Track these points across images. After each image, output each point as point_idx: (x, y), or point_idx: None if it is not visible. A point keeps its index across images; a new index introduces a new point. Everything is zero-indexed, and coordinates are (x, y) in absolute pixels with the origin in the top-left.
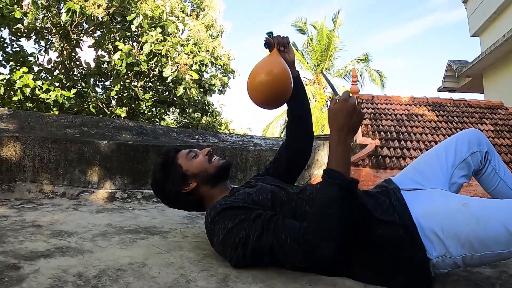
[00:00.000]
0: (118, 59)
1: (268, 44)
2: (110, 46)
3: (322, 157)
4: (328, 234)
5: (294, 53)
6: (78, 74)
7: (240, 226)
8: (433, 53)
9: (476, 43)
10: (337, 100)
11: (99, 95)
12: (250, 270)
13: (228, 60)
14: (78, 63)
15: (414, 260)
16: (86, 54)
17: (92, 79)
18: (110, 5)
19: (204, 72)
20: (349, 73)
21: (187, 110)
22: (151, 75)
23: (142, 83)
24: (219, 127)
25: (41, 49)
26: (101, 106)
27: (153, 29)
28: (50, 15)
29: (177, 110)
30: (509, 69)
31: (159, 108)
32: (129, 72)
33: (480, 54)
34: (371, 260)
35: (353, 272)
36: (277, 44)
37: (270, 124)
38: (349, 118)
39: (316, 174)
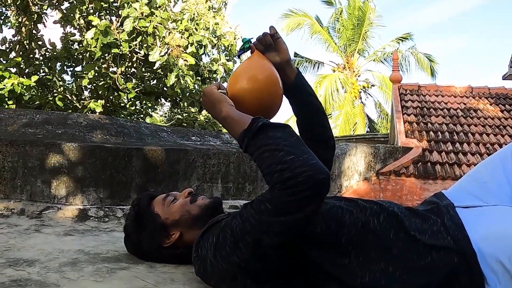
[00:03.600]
0: (92, 39)
1: (245, 51)
2: (81, 22)
3: (354, 163)
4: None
5: (287, 50)
6: (41, 58)
7: (224, 232)
8: (498, 30)
9: None
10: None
11: (68, 84)
12: None
13: (234, 39)
14: (40, 43)
15: None
16: (51, 31)
17: (58, 64)
18: None
19: (203, 56)
20: (389, 56)
21: (181, 104)
22: (134, 59)
23: (123, 69)
24: None
25: None
26: (70, 98)
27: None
28: None
29: (168, 104)
30: None
31: (144, 101)
32: (106, 55)
33: None
34: None
35: None
36: (257, 45)
37: (288, 121)
38: (210, 105)
39: (347, 185)
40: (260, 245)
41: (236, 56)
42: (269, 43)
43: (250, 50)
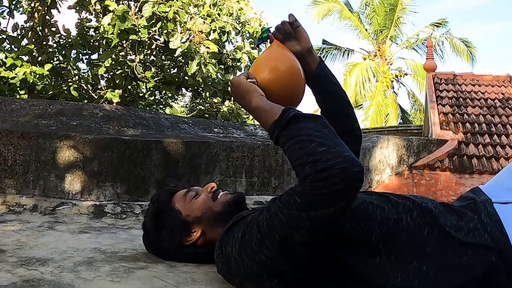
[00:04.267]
0: (109, 25)
1: (264, 40)
2: (98, 7)
3: (385, 157)
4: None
5: (308, 39)
6: (55, 45)
7: (250, 228)
8: None
9: None
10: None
11: (83, 73)
12: None
13: (260, 26)
14: (54, 29)
15: None
16: (66, 17)
17: (73, 52)
18: None
19: (226, 43)
20: (422, 43)
21: (203, 94)
22: (153, 47)
23: (142, 57)
24: (246, 116)
25: (4, 11)
26: (85, 88)
27: None
28: None
29: (189, 94)
30: None
31: (164, 91)
32: (123, 42)
33: None
34: None
35: None
36: (276, 34)
37: (316, 112)
38: (239, 96)
39: (378, 180)
40: (289, 243)
41: (255, 46)
42: (288, 32)
43: (269, 40)
